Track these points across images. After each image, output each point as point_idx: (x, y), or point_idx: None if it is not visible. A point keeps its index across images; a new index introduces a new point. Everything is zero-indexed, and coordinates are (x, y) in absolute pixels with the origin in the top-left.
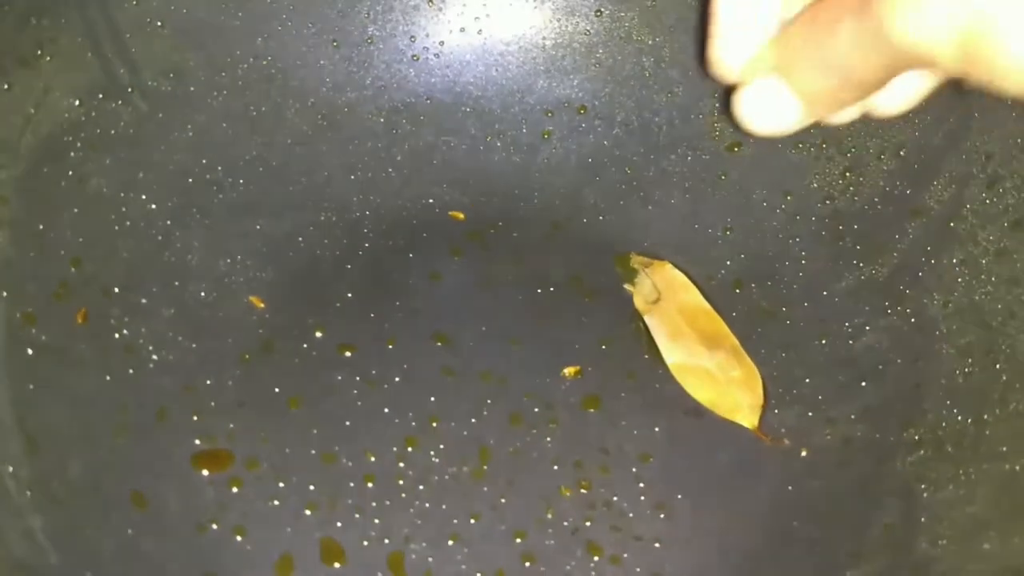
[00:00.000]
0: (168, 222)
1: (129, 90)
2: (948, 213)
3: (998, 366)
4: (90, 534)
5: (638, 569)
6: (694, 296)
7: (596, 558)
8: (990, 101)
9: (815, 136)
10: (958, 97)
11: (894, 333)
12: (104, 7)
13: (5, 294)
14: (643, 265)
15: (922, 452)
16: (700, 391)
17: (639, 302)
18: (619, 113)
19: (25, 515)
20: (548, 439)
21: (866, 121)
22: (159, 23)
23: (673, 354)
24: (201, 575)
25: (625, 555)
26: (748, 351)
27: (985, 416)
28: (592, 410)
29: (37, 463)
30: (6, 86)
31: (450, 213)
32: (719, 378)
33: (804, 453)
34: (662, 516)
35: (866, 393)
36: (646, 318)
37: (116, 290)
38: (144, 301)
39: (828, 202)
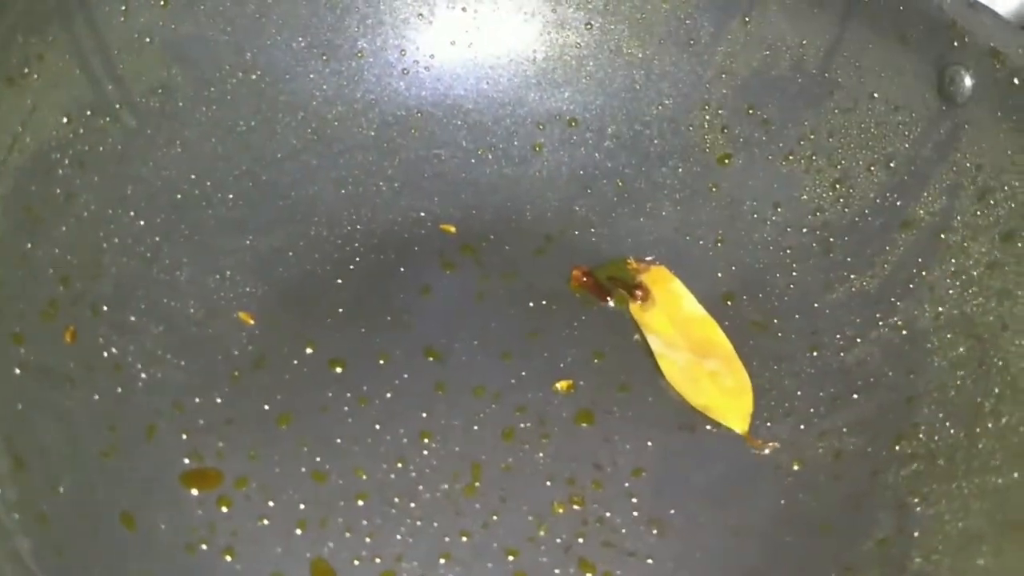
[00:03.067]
0: (156, 238)
1: (117, 106)
2: (938, 225)
3: (990, 378)
4: (79, 556)
5: None
6: (689, 302)
7: (588, 575)
8: (980, 112)
9: (805, 148)
10: (948, 108)
11: (885, 345)
12: (91, 23)
13: None
14: (639, 271)
15: (915, 466)
16: (693, 396)
17: (634, 308)
18: (610, 125)
19: (12, 537)
20: (540, 454)
21: (857, 133)
22: (147, 39)
23: (667, 359)
24: None
25: (618, 572)
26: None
27: (977, 429)
28: (585, 425)
29: (25, 483)
30: None
31: (441, 226)
32: (712, 384)
33: (796, 467)
34: (655, 532)
35: (858, 406)
36: (639, 322)
37: (105, 308)
38: (133, 319)
39: (818, 214)
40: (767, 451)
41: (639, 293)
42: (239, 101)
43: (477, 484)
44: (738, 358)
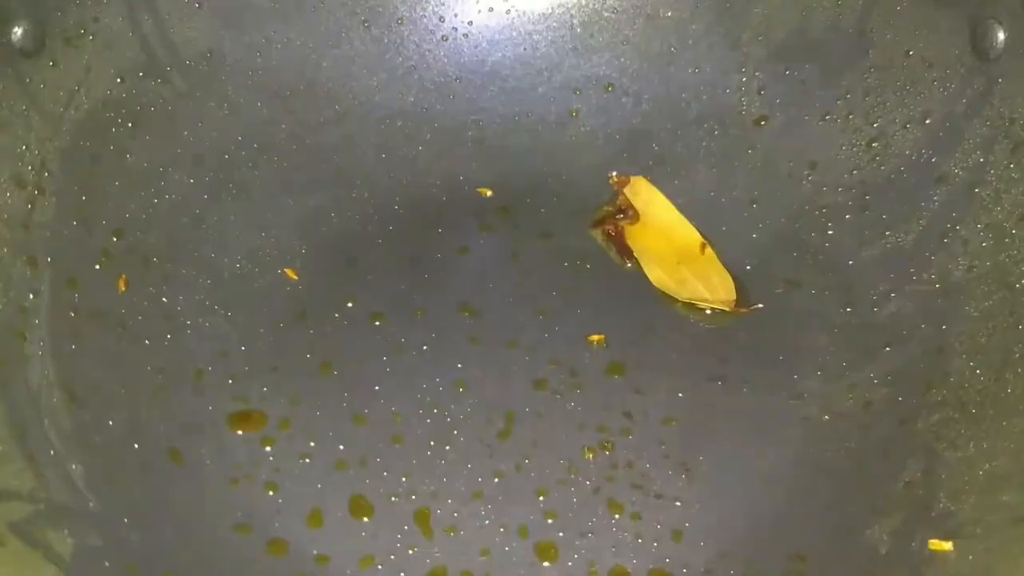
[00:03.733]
0: (205, 196)
1: (168, 69)
2: (972, 179)
3: (1021, 326)
4: (127, 484)
5: (658, 526)
6: (668, 209)
7: (616, 516)
8: (1013, 66)
9: (841, 108)
10: (981, 63)
11: (919, 299)
12: None
13: (49, 259)
14: (620, 183)
15: (944, 413)
16: (681, 292)
17: (629, 232)
18: (646, 90)
19: (66, 462)
20: (572, 403)
21: (892, 91)
22: (197, 4)
23: (654, 266)
24: (233, 525)
25: (645, 513)
26: (772, 321)
27: (1007, 375)
28: (616, 376)
29: (78, 416)
30: (51, 64)
31: (478, 190)
32: (697, 281)
33: (826, 417)
34: (684, 476)
35: (890, 357)
36: (631, 243)
37: (155, 260)
38: (183, 271)
39: (854, 172)
40: (751, 312)
41: (629, 214)
42: (284, 66)
43: (510, 430)
44: (718, 260)
